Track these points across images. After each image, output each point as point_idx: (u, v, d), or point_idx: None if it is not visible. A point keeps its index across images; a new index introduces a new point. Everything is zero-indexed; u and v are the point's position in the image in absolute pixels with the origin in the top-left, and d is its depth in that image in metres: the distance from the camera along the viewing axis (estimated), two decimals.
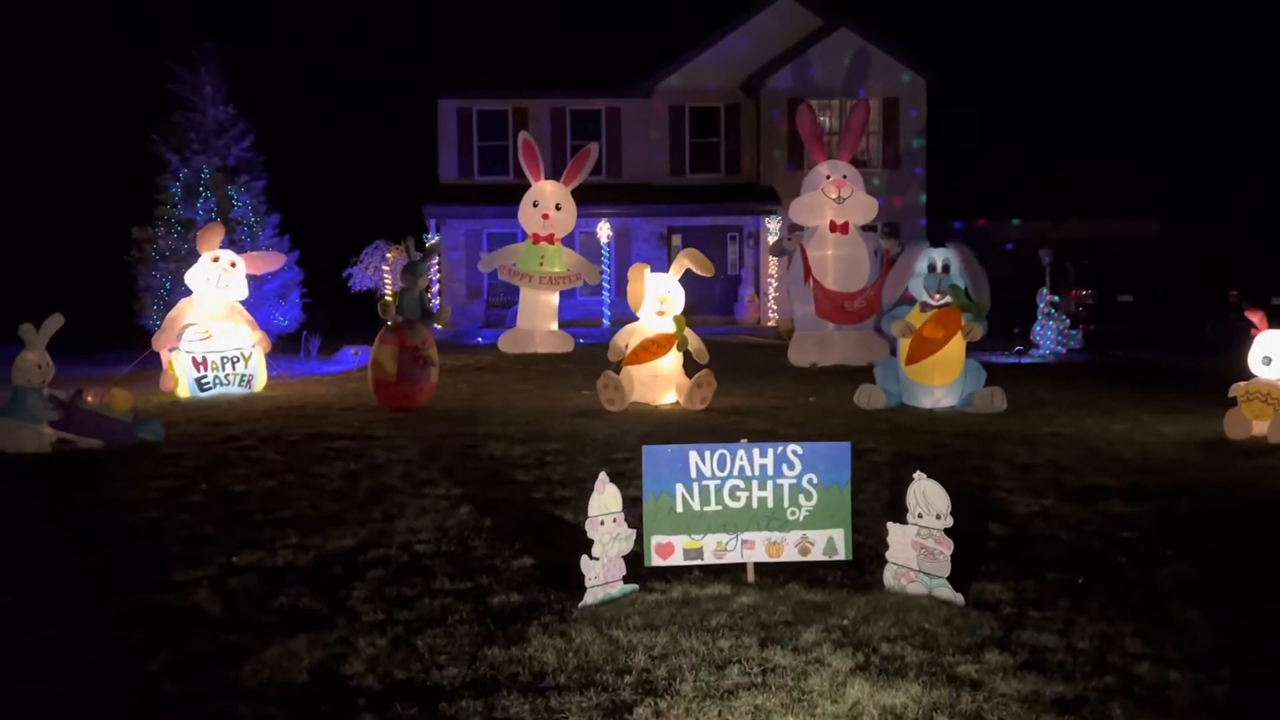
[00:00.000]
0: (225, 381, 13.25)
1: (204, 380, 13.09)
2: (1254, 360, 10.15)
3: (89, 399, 9.69)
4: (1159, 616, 4.95)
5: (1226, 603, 5.17)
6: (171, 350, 13.22)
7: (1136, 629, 4.77)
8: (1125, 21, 39.52)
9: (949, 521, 5.09)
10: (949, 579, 5.10)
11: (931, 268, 11.48)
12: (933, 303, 11.42)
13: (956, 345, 11.41)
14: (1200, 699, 4.07)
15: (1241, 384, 10.05)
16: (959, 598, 5.08)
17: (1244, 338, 10.60)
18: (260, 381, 13.67)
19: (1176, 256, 26.99)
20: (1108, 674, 4.29)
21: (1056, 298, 19.86)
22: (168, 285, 19.34)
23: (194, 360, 13.04)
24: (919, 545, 5.17)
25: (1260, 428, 9.79)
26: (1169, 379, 15.27)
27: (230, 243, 16.84)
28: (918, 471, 5.24)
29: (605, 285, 24.05)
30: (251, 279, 14.78)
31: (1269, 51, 35.71)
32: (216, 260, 13.70)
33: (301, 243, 21.48)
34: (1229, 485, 7.89)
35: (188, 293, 13.99)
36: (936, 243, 11.89)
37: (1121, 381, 14.80)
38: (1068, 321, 19.87)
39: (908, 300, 11.78)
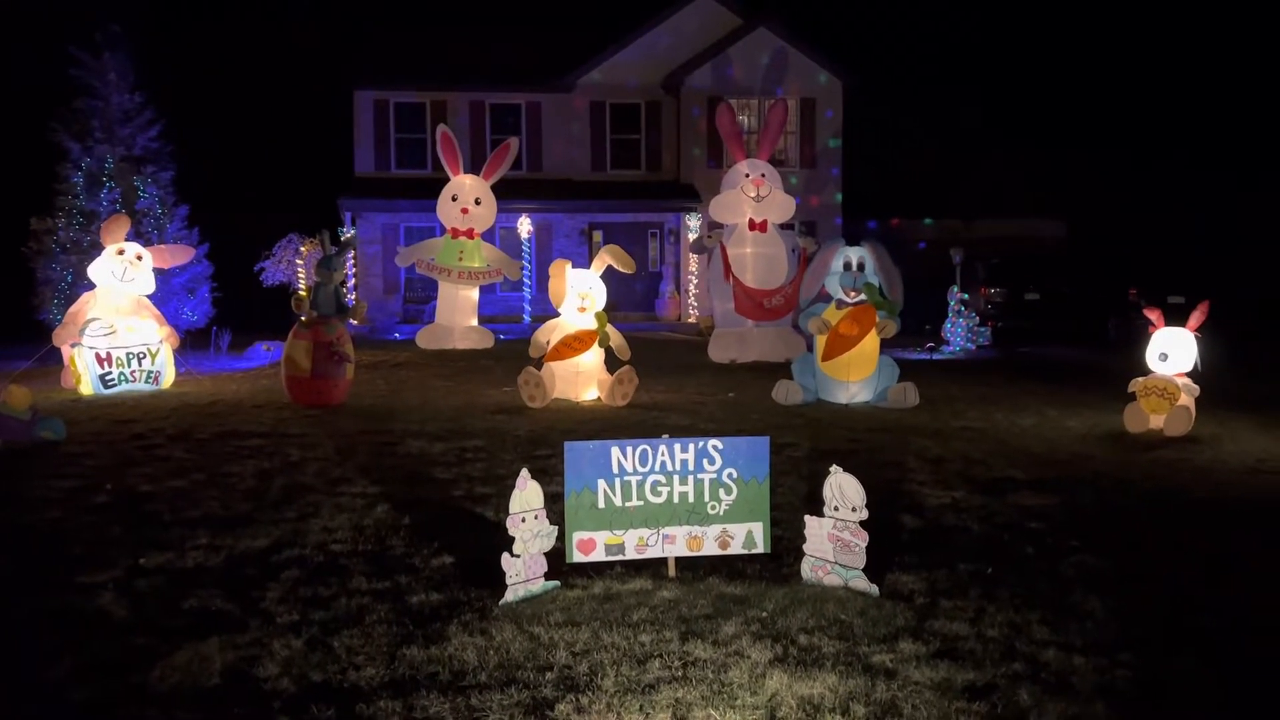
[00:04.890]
0: (131, 378, 12.83)
1: (108, 377, 12.66)
2: (1151, 356, 10.57)
3: None
4: (1064, 605, 5.13)
5: (1127, 591, 5.38)
6: (74, 346, 12.74)
7: (1043, 617, 4.94)
8: (1035, 29, 40.73)
9: (864, 514, 5.20)
10: (864, 570, 5.21)
11: (847, 266, 11.69)
12: (848, 300, 11.63)
13: (871, 342, 11.63)
14: (1103, 684, 4.23)
15: (1140, 379, 10.45)
16: (874, 589, 5.19)
17: (1144, 335, 11.02)
18: (168, 378, 13.27)
19: (1081, 257, 27.96)
20: (1016, 661, 4.43)
21: (966, 296, 20.41)
22: (69, 278, 18.60)
23: (98, 356, 12.60)
24: (835, 537, 5.27)
25: (1157, 421, 10.20)
26: (1073, 375, 15.80)
27: (136, 235, 16.32)
28: (834, 465, 5.35)
29: (526, 281, 23.91)
30: (159, 272, 14.32)
31: (1172, 59, 37.19)
32: (122, 253, 13.26)
33: (211, 235, 20.88)
34: (1128, 477, 8.21)
35: (90, 286, 13.50)
36: (852, 241, 12.12)
37: (1028, 377, 15.26)
38: (977, 319, 20.44)
39: (824, 297, 11.98)
